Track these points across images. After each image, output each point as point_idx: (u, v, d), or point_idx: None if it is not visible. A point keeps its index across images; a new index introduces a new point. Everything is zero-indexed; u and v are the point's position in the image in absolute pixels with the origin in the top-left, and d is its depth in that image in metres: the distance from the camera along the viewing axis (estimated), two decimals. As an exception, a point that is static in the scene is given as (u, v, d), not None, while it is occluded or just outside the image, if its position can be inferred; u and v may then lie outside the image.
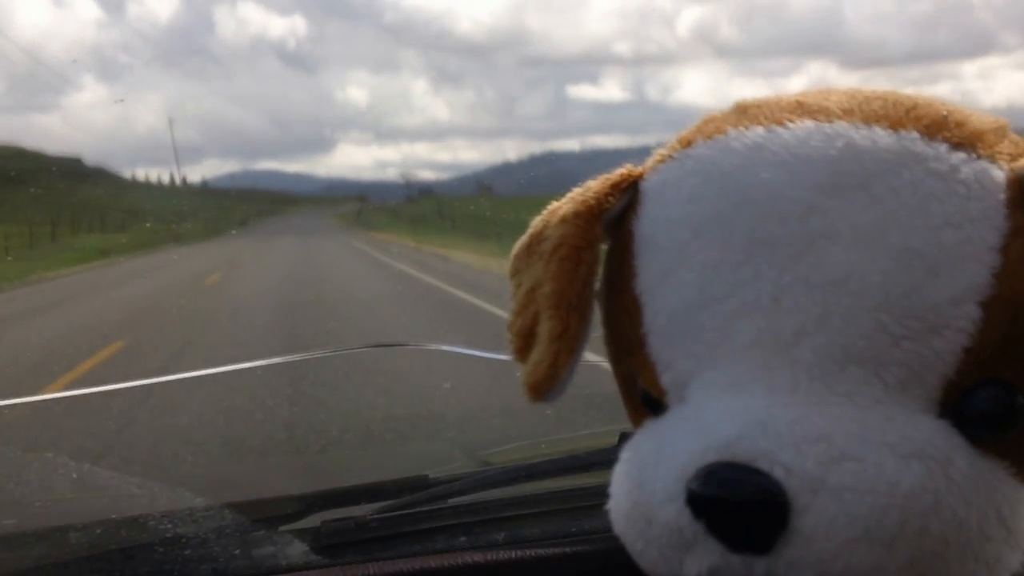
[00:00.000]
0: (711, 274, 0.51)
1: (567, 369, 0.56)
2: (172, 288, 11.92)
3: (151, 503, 1.13)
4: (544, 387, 0.56)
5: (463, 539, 0.91)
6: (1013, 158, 0.51)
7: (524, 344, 0.58)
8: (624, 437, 0.59)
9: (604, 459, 0.88)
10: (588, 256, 0.56)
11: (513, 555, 0.86)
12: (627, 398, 0.60)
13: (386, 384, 4.68)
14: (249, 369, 1.31)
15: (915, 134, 0.51)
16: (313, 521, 0.95)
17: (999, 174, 0.50)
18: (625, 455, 0.55)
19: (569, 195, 0.60)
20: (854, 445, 0.46)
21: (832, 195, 0.49)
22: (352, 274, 14.76)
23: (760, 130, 0.53)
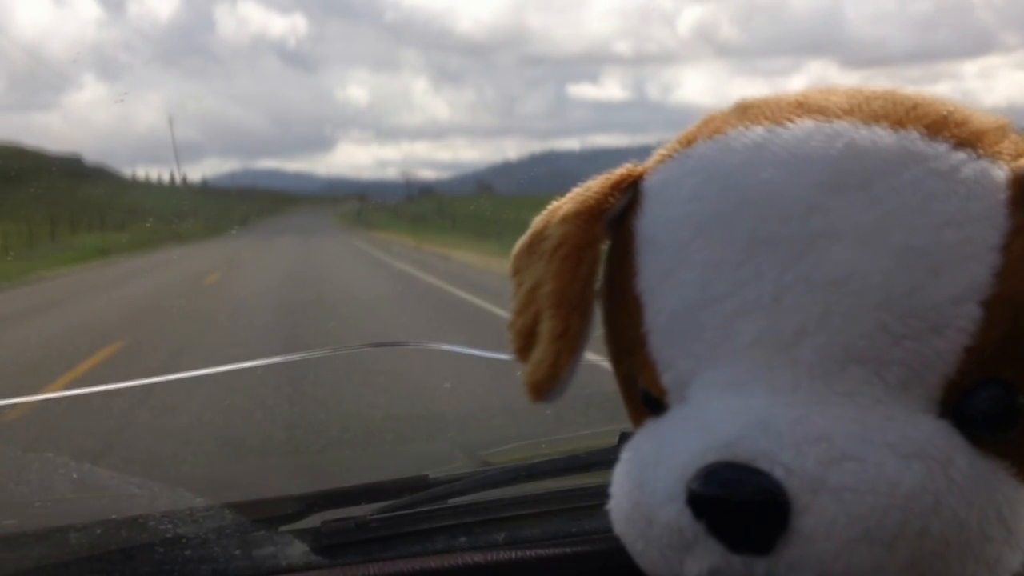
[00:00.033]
0: (712, 273, 0.51)
1: (568, 369, 0.56)
2: (172, 288, 11.91)
3: (151, 503, 1.13)
4: (545, 387, 0.56)
5: (463, 539, 0.90)
6: (1014, 157, 0.51)
7: (525, 344, 0.58)
8: (624, 437, 0.59)
9: (604, 459, 0.88)
10: (589, 255, 0.56)
11: (513, 555, 0.86)
12: (627, 398, 0.60)
13: (386, 384, 4.67)
14: (249, 369, 1.31)
15: (916, 133, 0.51)
16: (313, 521, 0.95)
17: (1000, 173, 0.50)
18: (625, 455, 0.55)
19: (570, 194, 0.60)
20: (855, 445, 0.46)
21: (833, 194, 0.49)
22: (353, 273, 14.76)
23: (761, 129, 0.53)
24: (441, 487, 1.00)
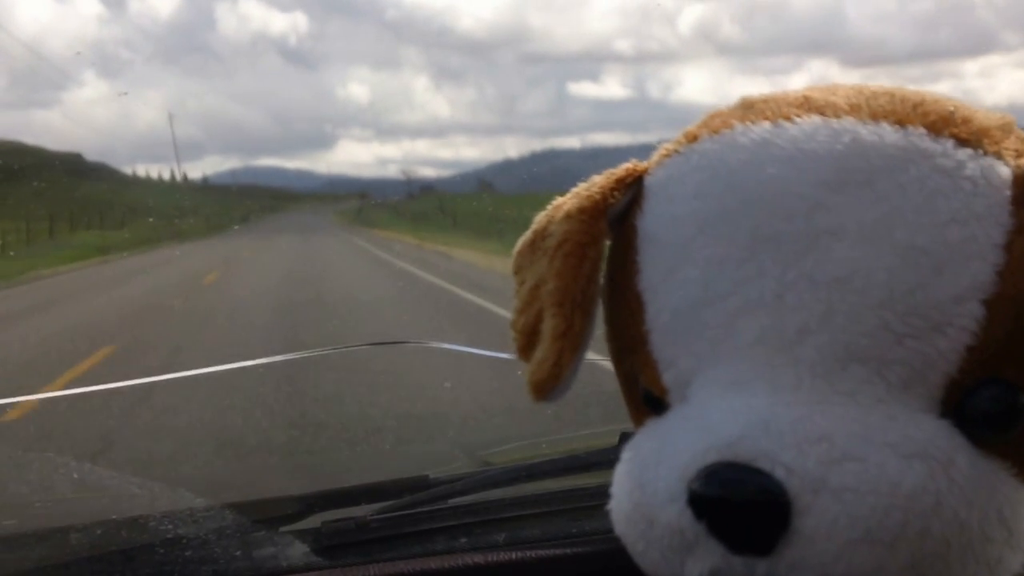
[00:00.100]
0: (715, 271, 0.50)
1: (571, 367, 0.56)
2: (172, 287, 11.91)
3: (152, 504, 1.13)
4: (548, 386, 0.56)
5: (464, 540, 0.90)
6: (1019, 155, 0.51)
7: (527, 342, 0.58)
8: (625, 437, 0.58)
9: (605, 459, 0.88)
10: (592, 253, 0.56)
11: (514, 556, 0.86)
12: (628, 397, 0.60)
13: (387, 383, 4.67)
14: (249, 369, 1.30)
15: (921, 130, 0.50)
16: (313, 522, 0.95)
17: (1004, 171, 0.50)
18: (626, 455, 0.54)
19: (573, 191, 0.59)
20: (856, 445, 0.45)
21: (838, 191, 0.49)
22: (353, 273, 14.76)
23: (766, 125, 0.52)
24: (441, 487, 1.00)
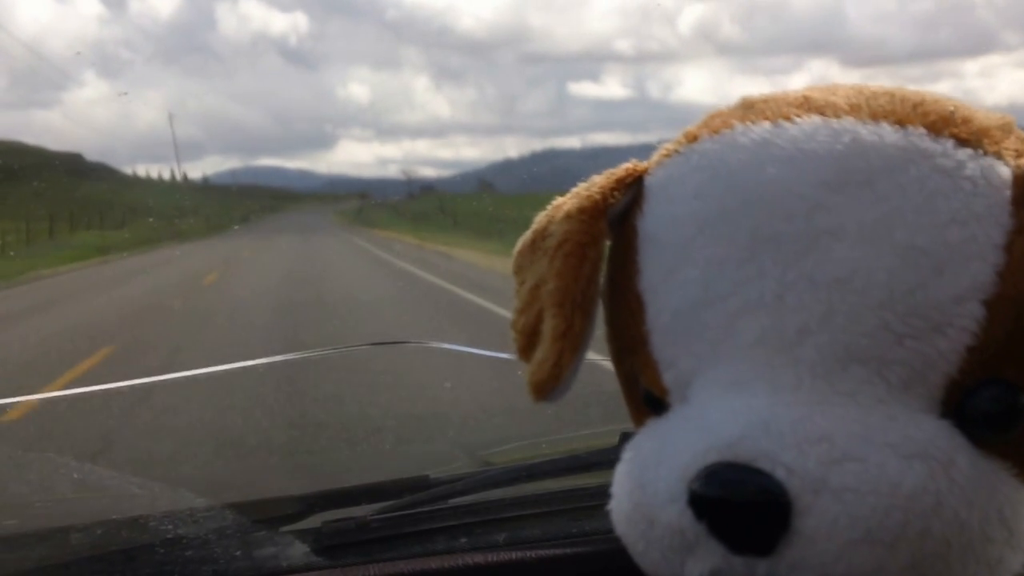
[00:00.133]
0: (715, 271, 0.50)
1: (571, 368, 0.56)
2: (172, 287, 11.91)
3: (152, 504, 1.13)
4: (548, 386, 0.56)
5: (464, 540, 0.90)
6: (1019, 155, 0.51)
7: (528, 342, 0.58)
8: (625, 437, 0.58)
9: (605, 459, 0.88)
10: (593, 253, 0.56)
11: (514, 556, 0.86)
12: (629, 397, 0.60)
13: (387, 383, 4.67)
14: (249, 369, 1.31)
15: (921, 130, 0.50)
16: (314, 522, 0.95)
17: (1005, 171, 0.50)
18: (627, 455, 0.54)
19: (573, 191, 0.59)
20: (856, 445, 0.45)
21: (838, 192, 0.49)
22: (354, 273, 14.76)
23: (766, 125, 0.52)
24: (442, 487, 1.00)
